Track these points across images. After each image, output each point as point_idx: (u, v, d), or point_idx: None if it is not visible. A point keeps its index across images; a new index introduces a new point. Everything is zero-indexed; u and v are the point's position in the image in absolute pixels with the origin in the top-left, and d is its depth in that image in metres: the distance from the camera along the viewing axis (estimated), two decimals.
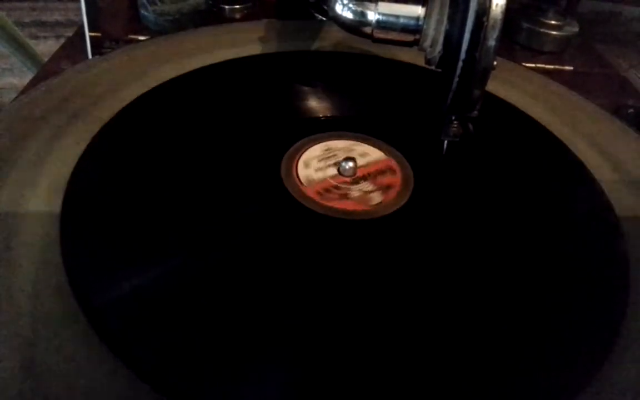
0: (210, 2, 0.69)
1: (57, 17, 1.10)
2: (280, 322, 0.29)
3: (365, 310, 0.31)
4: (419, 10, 0.35)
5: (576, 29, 0.71)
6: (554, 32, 0.71)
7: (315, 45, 0.57)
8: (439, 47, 0.34)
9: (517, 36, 0.72)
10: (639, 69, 0.86)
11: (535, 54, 0.71)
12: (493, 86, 0.50)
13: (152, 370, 0.25)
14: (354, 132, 0.44)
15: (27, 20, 1.08)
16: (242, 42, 0.55)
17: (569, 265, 0.35)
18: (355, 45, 0.54)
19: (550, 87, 0.54)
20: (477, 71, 0.30)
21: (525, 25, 0.71)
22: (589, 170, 0.43)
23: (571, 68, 0.68)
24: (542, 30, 0.71)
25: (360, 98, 0.51)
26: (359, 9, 0.37)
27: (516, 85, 0.53)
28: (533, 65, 0.67)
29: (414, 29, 0.35)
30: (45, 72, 0.53)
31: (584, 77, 0.67)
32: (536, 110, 0.49)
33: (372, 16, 0.36)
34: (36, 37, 1.06)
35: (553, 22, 0.71)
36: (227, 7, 0.72)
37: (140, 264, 0.32)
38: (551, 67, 0.68)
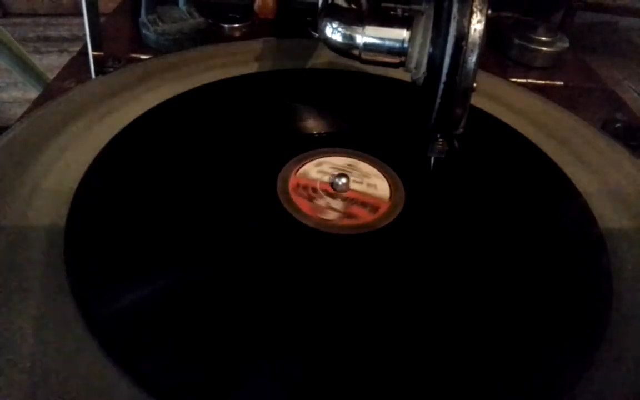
0: (210, 21, 0.71)
1: (61, 32, 1.11)
2: (277, 331, 0.31)
3: (354, 320, 0.32)
4: (403, 34, 0.36)
5: (566, 45, 0.73)
6: (545, 48, 0.72)
7: (311, 63, 0.58)
8: (423, 68, 0.36)
9: (508, 52, 0.74)
10: (633, 80, 0.87)
11: (527, 69, 0.72)
12: (480, 102, 0.52)
13: (151, 377, 0.27)
14: (348, 148, 0.46)
15: (31, 35, 1.10)
16: (241, 60, 0.57)
17: (554, 275, 0.37)
18: (350, 63, 0.56)
19: (537, 102, 0.56)
20: (458, 92, 0.32)
21: (516, 41, 0.73)
22: (574, 183, 0.44)
23: (561, 83, 0.70)
24: (533, 46, 0.72)
25: (354, 114, 0.52)
26: (348, 32, 0.38)
27: (502, 101, 0.54)
28: (524, 80, 0.69)
29: (400, 51, 0.37)
30: (51, 90, 0.55)
31: (574, 92, 0.69)
32: (522, 126, 0.51)
33: (359, 39, 0.38)
34: (40, 52, 1.08)
35: (544, 38, 0.72)
36: (226, 26, 0.74)
37: (141, 276, 0.33)
38: (542, 82, 0.70)
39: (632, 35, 1.01)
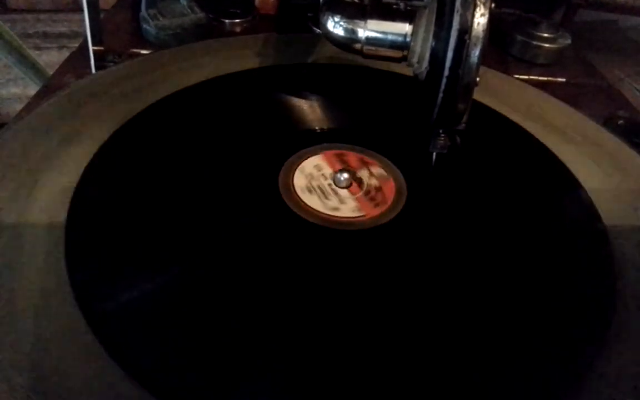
0: (211, 16, 0.71)
1: (60, 28, 1.11)
2: (276, 328, 0.31)
3: (355, 317, 0.32)
4: (406, 28, 0.36)
5: (569, 41, 0.73)
6: (547, 45, 0.72)
7: (312, 59, 0.58)
8: (425, 63, 0.35)
9: (510, 49, 0.73)
10: (635, 79, 0.87)
11: (529, 66, 0.72)
12: (482, 97, 0.52)
13: (151, 375, 0.27)
14: (350, 143, 0.46)
15: (31, 31, 1.10)
16: (242, 55, 0.56)
17: (557, 272, 0.36)
18: (352, 58, 0.56)
19: (539, 98, 0.56)
20: (460, 87, 0.32)
21: (518, 37, 0.73)
22: (578, 180, 0.44)
23: (564, 80, 0.69)
24: (535, 42, 0.72)
25: (356, 110, 0.52)
26: (350, 26, 0.38)
27: (504, 97, 0.54)
28: (526, 77, 0.69)
29: (402, 45, 0.37)
30: (50, 85, 0.55)
31: (576, 89, 0.68)
32: (525, 121, 0.51)
33: (361, 33, 0.38)
34: (39, 48, 1.07)
35: (546, 34, 0.72)
36: (227, 21, 0.73)
37: (142, 274, 0.33)
38: (544, 78, 0.69)
39: (632, 34, 1.01)
